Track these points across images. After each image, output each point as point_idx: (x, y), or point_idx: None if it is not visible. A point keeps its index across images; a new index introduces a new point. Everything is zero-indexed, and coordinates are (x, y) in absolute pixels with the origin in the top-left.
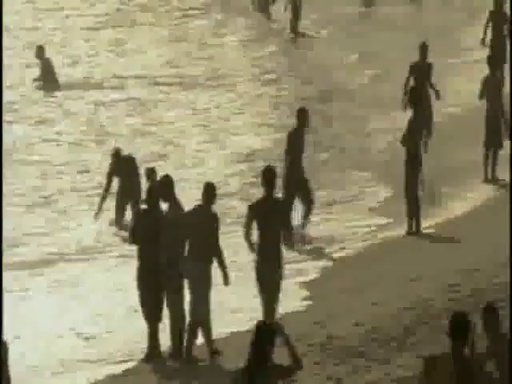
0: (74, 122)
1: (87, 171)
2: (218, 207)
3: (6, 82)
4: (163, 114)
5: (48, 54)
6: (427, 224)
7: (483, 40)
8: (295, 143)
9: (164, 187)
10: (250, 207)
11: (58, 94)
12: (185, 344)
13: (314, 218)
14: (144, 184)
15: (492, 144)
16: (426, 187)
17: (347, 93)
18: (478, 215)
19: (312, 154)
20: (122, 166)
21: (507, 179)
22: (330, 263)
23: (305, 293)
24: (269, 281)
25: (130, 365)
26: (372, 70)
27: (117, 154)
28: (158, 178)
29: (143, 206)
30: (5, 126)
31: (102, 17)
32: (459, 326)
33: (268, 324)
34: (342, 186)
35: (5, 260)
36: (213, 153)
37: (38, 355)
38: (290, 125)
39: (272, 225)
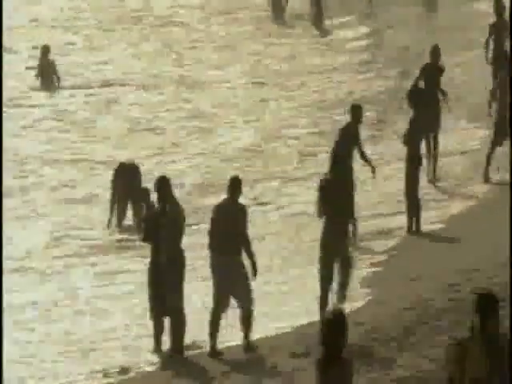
0: (112, 118)
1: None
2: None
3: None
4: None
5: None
6: (427, 224)
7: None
8: (344, 139)
9: (161, 188)
10: (320, 185)
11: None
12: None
13: None
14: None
15: (499, 143)
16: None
17: None
18: (477, 215)
19: None
20: (125, 173)
21: (507, 179)
22: None
23: None
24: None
25: (131, 364)
26: None
27: (119, 167)
28: (157, 179)
29: (153, 205)
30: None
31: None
32: (487, 306)
33: (341, 313)
34: None
35: (53, 252)
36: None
37: None
38: None
39: (337, 203)
